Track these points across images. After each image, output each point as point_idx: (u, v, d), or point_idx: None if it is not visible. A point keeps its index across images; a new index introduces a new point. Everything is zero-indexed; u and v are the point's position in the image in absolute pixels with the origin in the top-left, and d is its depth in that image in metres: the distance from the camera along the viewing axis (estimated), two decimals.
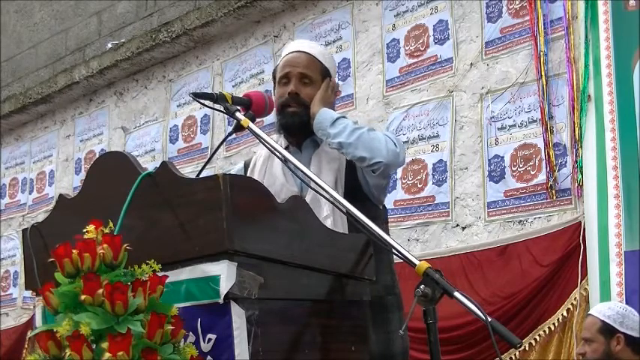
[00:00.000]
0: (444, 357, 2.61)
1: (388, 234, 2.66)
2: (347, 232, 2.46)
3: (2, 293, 7.79)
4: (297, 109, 2.68)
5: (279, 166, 2.68)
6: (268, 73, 6.09)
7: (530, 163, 4.59)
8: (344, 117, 2.65)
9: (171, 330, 1.73)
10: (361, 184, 2.63)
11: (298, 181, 2.60)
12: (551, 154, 4.47)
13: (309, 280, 2.03)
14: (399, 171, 5.12)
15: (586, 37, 4.42)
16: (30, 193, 7.97)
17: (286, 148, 2.72)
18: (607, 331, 3.58)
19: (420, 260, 1.91)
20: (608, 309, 3.66)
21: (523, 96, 4.69)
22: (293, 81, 2.71)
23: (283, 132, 2.74)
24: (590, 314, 3.71)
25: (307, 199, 2.41)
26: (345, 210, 2.10)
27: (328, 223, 2.44)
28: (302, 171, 2.17)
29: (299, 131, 2.70)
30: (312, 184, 2.16)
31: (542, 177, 4.51)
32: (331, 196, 2.12)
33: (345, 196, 2.51)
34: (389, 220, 2.90)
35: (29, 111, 7.96)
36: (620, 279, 4.04)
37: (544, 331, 4.30)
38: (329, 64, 2.78)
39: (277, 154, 2.25)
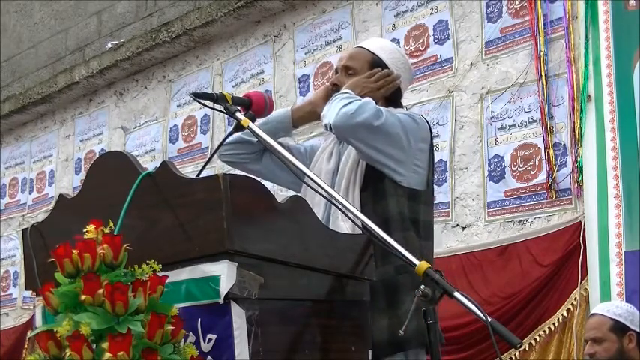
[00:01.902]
0: (444, 357, 2.61)
1: (421, 215, 2.63)
2: (358, 229, 2.44)
3: (2, 293, 7.79)
4: None
5: (325, 158, 2.72)
6: (268, 73, 6.10)
7: (530, 163, 4.59)
8: (345, 92, 2.62)
9: (172, 330, 1.73)
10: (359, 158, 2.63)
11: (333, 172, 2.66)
12: (551, 154, 4.47)
13: (309, 280, 2.03)
14: None
15: (586, 37, 4.42)
16: (30, 193, 7.97)
17: None
18: (619, 329, 3.54)
19: (421, 260, 1.91)
20: (617, 307, 3.63)
21: (523, 96, 4.69)
22: (338, 73, 2.77)
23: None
24: (596, 313, 3.65)
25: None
26: (337, 204, 2.10)
27: (340, 216, 2.44)
28: (302, 171, 2.17)
29: None
30: (312, 184, 2.17)
31: (542, 177, 4.51)
32: (328, 194, 2.12)
33: (365, 178, 2.56)
34: None
35: (29, 111, 7.96)
36: (620, 279, 4.04)
37: (544, 331, 4.29)
38: (386, 57, 2.75)
39: (276, 153, 2.25)
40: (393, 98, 2.76)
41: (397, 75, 2.74)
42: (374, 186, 2.59)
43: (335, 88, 2.73)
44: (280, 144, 2.60)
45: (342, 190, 2.55)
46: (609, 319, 3.57)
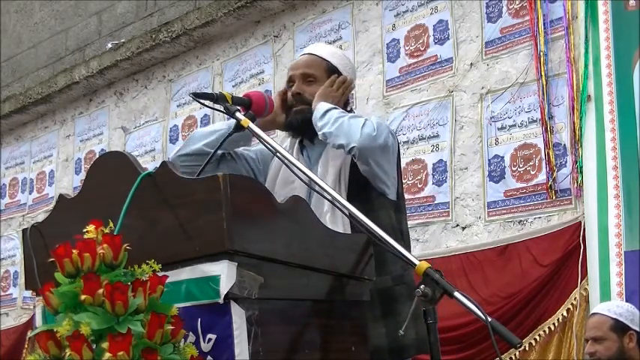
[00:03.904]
0: (444, 357, 2.61)
1: (404, 225, 2.70)
2: (349, 229, 2.46)
3: (2, 293, 7.79)
4: (301, 108, 2.71)
5: (297, 156, 2.72)
6: (268, 73, 6.09)
7: (530, 163, 4.59)
8: (335, 108, 2.64)
9: (172, 330, 1.73)
10: (366, 176, 2.63)
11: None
12: (551, 154, 4.47)
13: (309, 280, 2.03)
14: None
15: (586, 37, 4.42)
16: (30, 193, 7.97)
17: (300, 142, 2.77)
18: (619, 328, 3.54)
19: (420, 260, 1.91)
20: (617, 307, 3.64)
21: (523, 96, 4.69)
22: (296, 82, 2.75)
23: (291, 131, 2.78)
24: (596, 313, 3.66)
25: (314, 193, 2.45)
26: (342, 208, 2.10)
27: (327, 218, 2.45)
28: (301, 170, 2.17)
29: (306, 129, 2.70)
30: (312, 184, 2.17)
31: (542, 177, 4.52)
32: (330, 195, 2.12)
33: (349, 190, 2.56)
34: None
35: (29, 111, 7.96)
36: (620, 279, 4.04)
37: (544, 331, 4.29)
38: (338, 62, 2.78)
39: (277, 153, 2.25)
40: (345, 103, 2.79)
41: (351, 80, 2.80)
42: (359, 197, 2.58)
43: (298, 97, 2.72)
44: (235, 152, 2.67)
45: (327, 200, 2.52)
46: (610, 318, 3.57)
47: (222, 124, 2.72)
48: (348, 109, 2.78)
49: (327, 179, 2.60)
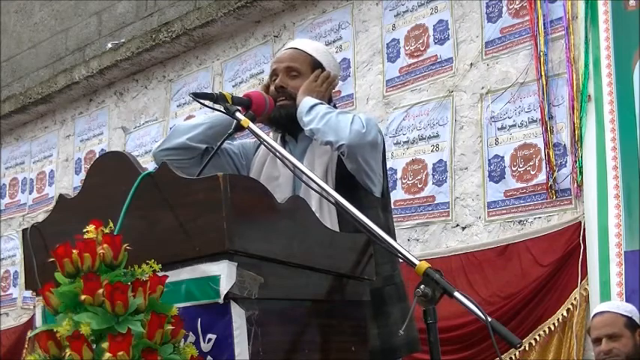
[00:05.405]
0: (444, 357, 2.61)
1: (391, 224, 2.70)
2: (337, 228, 2.46)
3: (2, 293, 7.79)
4: (285, 102, 2.68)
5: (279, 163, 2.68)
6: (268, 73, 6.09)
7: (530, 163, 4.59)
8: (322, 104, 2.61)
9: (172, 330, 1.73)
10: (353, 173, 2.60)
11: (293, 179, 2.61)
12: (551, 154, 4.47)
13: (309, 280, 2.03)
14: (399, 171, 5.13)
15: (586, 37, 4.42)
16: (30, 193, 7.97)
17: (282, 138, 2.74)
18: (631, 326, 3.53)
19: (420, 260, 1.91)
20: (625, 305, 3.65)
21: (523, 96, 4.69)
22: (280, 75, 2.72)
23: (274, 126, 2.74)
24: (606, 311, 3.61)
25: (300, 189, 2.46)
26: (343, 208, 2.09)
27: None
28: (300, 169, 2.17)
29: (289, 124, 2.67)
30: (312, 184, 2.16)
31: (542, 177, 4.51)
32: (329, 194, 2.12)
33: (337, 187, 2.50)
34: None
35: (29, 111, 7.96)
36: (620, 279, 4.04)
37: (544, 331, 4.29)
38: (322, 58, 2.76)
39: (277, 153, 2.25)
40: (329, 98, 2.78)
41: (335, 75, 2.77)
42: (347, 196, 2.53)
43: (281, 90, 2.69)
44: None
45: (315, 198, 2.48)
46: (622, 316, 3.56)
47: (204, 117, 2.70)
48: (332, 105, 2.74)
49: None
